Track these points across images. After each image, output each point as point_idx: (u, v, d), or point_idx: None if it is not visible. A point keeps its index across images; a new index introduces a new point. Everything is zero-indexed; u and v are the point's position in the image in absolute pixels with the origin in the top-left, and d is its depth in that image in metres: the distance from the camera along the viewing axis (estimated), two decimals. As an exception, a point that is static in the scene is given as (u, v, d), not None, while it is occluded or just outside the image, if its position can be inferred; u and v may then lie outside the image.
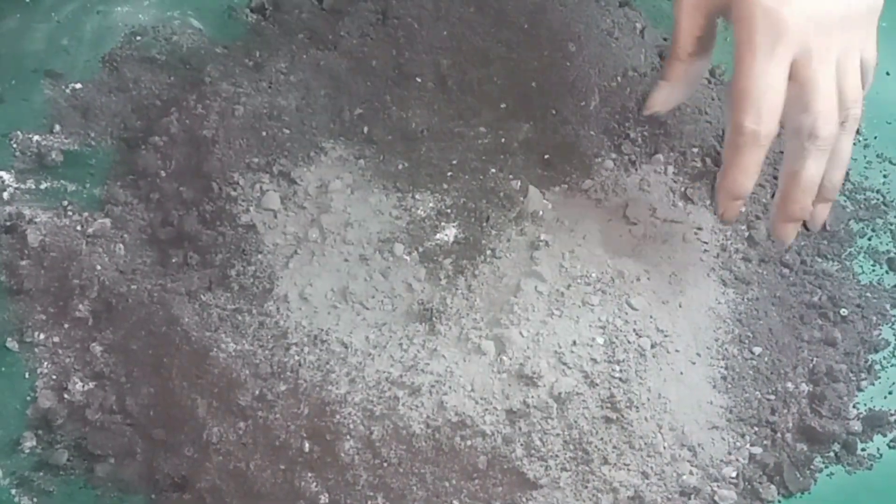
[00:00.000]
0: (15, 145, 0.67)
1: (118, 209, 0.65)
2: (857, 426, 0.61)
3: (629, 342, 0.59)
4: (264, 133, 0.66)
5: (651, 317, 0.60)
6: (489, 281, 0.60)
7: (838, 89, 0.55)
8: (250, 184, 0.65)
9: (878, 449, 0.61)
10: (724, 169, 0.57)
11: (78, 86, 0.69)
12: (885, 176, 0.70)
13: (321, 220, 0.63)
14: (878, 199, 0.69)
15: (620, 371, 0.58)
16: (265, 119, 0.66)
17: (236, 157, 0.65)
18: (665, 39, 0.72)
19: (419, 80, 0.67)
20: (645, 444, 0.58)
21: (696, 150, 0.67)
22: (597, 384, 0.58)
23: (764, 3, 0.53)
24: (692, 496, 0.58)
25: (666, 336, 0.60)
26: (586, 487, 0.57)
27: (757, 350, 0.62)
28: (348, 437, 0.57)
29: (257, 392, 0.58)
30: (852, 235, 0.67)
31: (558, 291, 0.60)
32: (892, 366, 0.63)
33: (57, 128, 0.68)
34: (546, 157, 0.65)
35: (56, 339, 0.62)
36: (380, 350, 0.59)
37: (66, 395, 0.60)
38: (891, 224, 0.68)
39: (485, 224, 0.62)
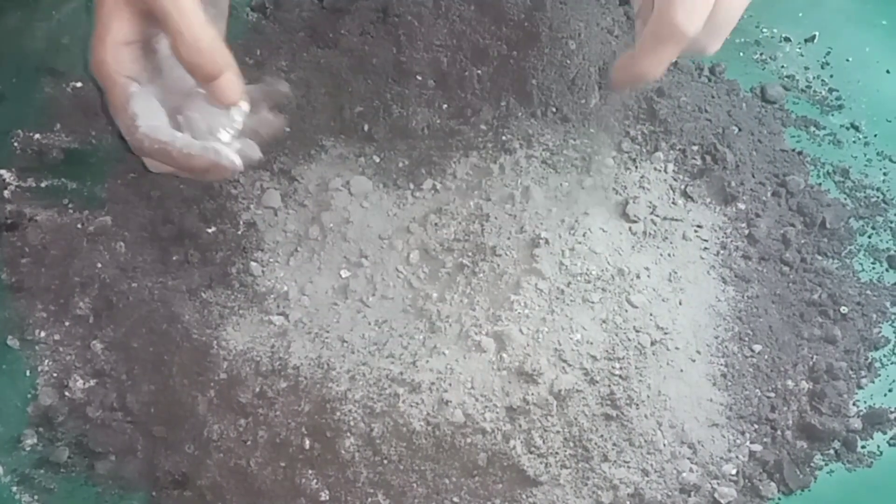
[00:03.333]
0: (16, 143, 0.67)
1: (119, 207, 0.65)
2: (857, 424, 0.61)
3: (629, 339, 0.59)
4: (265, 131, 0.66)
5: (651, 314, 0.60)
6: (489, 278, 0.61)
7: None
8: (251, 182, 0.65)
9: (878, 447, 0.61)
10: (638, 54, 0.54)
11: (79, 84, 0.69)
12: (885, 174, 0.70)
13: (321, 218, 0.63)
14: (878, 197, 0.69)
15: (620, 368, 0.58)
16: (266, 117, 0.66)
17: (237, 154, 0.65)
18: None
19: (419, 78, 0.67)
20: (645, 441, 0.58)
21: (695, 147, 0.67)
22: (597, 381, 0.58)
23: None
24: (692, 493, 0.58)
25: (666, 333, 0.60)
26: (586, 484, 0.57)
27: (757, 348, 0.62)
28: (349, 434, 0.57)
29: (258, 389, 0.58)
30: (852, 233, 0.67)
31: (558, 289, 0.60)
32: (892, 363, 0.63)
33: (58, 126, 0.68)
34: (546, 154, 0.65)
35: (57, 337, 0.62)
36: (380, 347, 0.59)
37: (66, 393, 0.60)
38: (891, 222, 0.68)
39: (485, 222, 0.62)
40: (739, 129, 0.68)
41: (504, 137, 0.65)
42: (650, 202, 0.65)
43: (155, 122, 0.54)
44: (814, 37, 0.74)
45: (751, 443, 0.60)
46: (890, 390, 0.63)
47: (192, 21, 0.52)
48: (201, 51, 0.52)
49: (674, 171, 0.66)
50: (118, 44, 0.53)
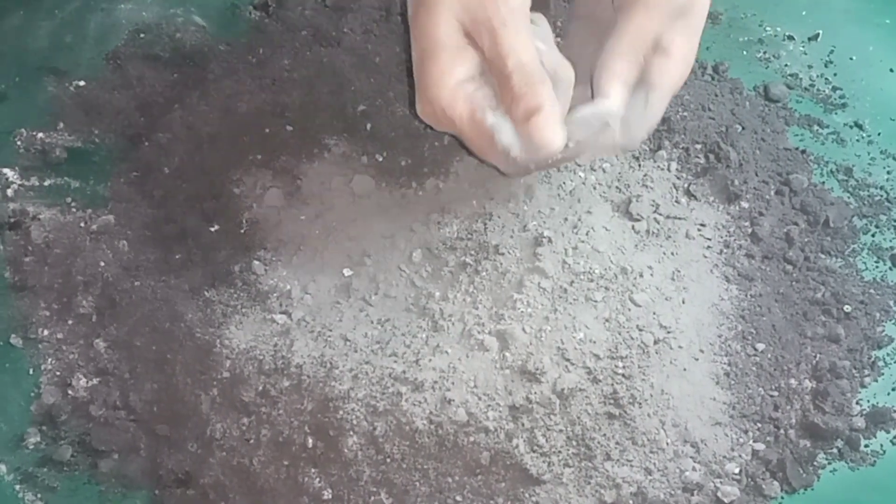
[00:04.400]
0: (19, 142, 0.67)
1: (122, 206, 0.65)
2: (860, 423, 0.61)
3: (632, 338, 0.59)
4: (267, 130, 0.66)
5: (654, 313, 0.60)
6: (492, 277, 0.61)
7: None
8: (253, 181, 0.65)
9: (882, 445, 0.61)
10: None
11: (81, 83, 0.70)
12: (888, 172, 0.69)
13: (324, 217, 0.63)
14: (881, 196, 0.68)
15: (623, 367, 0.58)
16: (268, 116, 0.66)
17: (239, 154, 0.65)
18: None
19: (422, 76, 0.67)
20: (648, 440, 0.58)
21: (699, 146, 0.67)
22: (599, 380, 0.58)
23: None
24: (695, 492, 0.58)
25: (669, 332, 0.60)
26: (589, 483, 0.57)
27: (760, 346, 0.62)
28: (351, 433, 0.57)
29: (261, 388, 0.58)
30: (856, 232, 0.67)
31: (561, 287, 0.60)
32: (895, 362, 0.63)
33: (61, 125, 0.68)
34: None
35: (60, 336, 0.62)
36: (383, 346, 0.59)
37: (69, 391, 0.60)
38: (894, 220, 0.68)
39: (488, 220, 0.62)
40: (743, 128, 0.68)
41: (507, 136, 0.65)
42: (653, 201, 0.65)
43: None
44: (817, 35, 0.74)
45: (754, 441, 0.60)
46: (893, 389, 0.62)
47: (519, 47, 0.51)
48: (526, 77, 0.51)
49: (677, 169, 0.66)
50: (462, 81, 0.52)
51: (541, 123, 0.51)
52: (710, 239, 0.64)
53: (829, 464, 0.60)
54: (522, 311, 0.59)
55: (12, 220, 0.65)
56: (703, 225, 0.65)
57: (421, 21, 0.53)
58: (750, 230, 0.65)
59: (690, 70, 0.57)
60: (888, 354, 0.63)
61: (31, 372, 0.61)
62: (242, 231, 0.63)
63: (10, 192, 0.66)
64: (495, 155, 0.54)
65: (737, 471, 0.59)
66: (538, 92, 0.51)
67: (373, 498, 0.57)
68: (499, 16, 0.51)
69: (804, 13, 0.75)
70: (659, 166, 0.66)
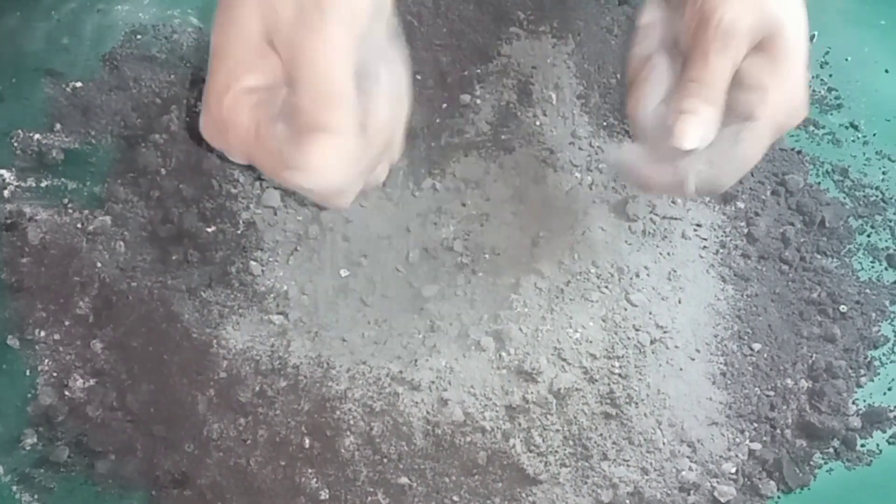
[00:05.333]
0: (16, 144, 0.67)
1: (118, 207, 0.65)
2: (856, 422, 0.61)
3: (628, 338, 0.59)
4: (264, 130, 0.66)
5: (650, 313, 0.61)
6: (489, 277, 0.61)
7: None
8: (250, 181, 0.65)
9: (878, 445, 0.61)
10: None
11: (78, 84, 0.69)
12: (884, 173, 0.70)
13: (321, 217, 0.63)
14: (877, 196, 0.69)
15: (620, 367, 0.59)
16: (265, 116, 0.66)
17: (236, 154, 0.65)
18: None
19: (419, 77, 0.67)
20: (644, 439, 0.58)
21: (695, 146, 0.67)
22: (596, 380, 0.58)
23: None
24: (691, 492, 0.58)
25: (665, 332, 0.60)
26: (586, 483, 0.57)
27: (756, 346, 0.62)
28: (348, 433, 0.57)
29: (257, 388, 0.58)
30: (851, 232, 0.67)
31: (558, 288, 0.60)
32: (891, 362, 0.63)
33: (57, 126, 0.68)
34: (546, 153, 0.66)
35: (57, 337, 0.62)
36: (380, 346, 0.59)
37: (66, 392, 0.60)
38: (890, 221, 0.68)
39: (485, 221, 0.62)
40: (739, 129, 0.68)
41: (503, 136, 0.66)
42: (649, 201, 0.65)
43: None
44: (813, 36, 0.74)
45: (750, 441, 0.60)
46: (889, 389, 0.63)
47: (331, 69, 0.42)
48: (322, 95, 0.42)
49: (673, 170, 0.66)
50: (251, 89, 0.44)
51: (321, 145, 0.42)
52: (706, 239, 0.65)
53: (826, 463, 0.60)
54: (519, 311, 0.59)
55: (9, 221, 0.65)
56: (699, 225, 0.65)
57: (220, 13, 0.45)
58: (746, 230, 0.65)
59: (804, 115, 0.51)
60: (884, 354, 0.63)
61: (27, 373, 0.61)
62: (239, 231, 0.63)
63: (6, 193, 0.66)
64: (287, 178, 0.44)
65: (733, 470, 0.59)
66: (329, 109, 0.42)
67: (370, 498, 0.57)
68: (302, 17, 0.42)
69: (800, 14, 0.75)
70: (655, 167, 0.66)
